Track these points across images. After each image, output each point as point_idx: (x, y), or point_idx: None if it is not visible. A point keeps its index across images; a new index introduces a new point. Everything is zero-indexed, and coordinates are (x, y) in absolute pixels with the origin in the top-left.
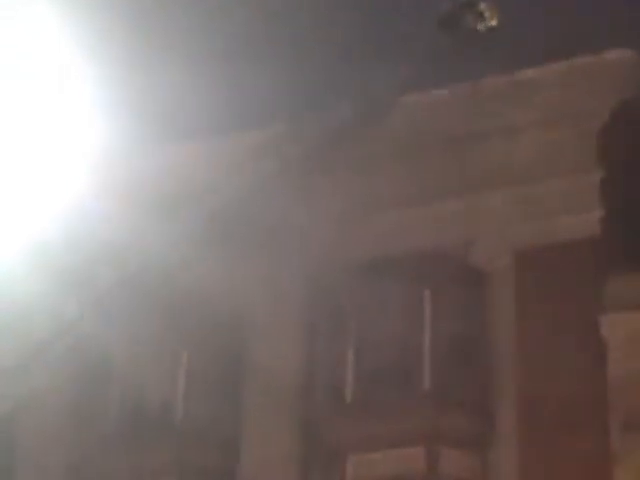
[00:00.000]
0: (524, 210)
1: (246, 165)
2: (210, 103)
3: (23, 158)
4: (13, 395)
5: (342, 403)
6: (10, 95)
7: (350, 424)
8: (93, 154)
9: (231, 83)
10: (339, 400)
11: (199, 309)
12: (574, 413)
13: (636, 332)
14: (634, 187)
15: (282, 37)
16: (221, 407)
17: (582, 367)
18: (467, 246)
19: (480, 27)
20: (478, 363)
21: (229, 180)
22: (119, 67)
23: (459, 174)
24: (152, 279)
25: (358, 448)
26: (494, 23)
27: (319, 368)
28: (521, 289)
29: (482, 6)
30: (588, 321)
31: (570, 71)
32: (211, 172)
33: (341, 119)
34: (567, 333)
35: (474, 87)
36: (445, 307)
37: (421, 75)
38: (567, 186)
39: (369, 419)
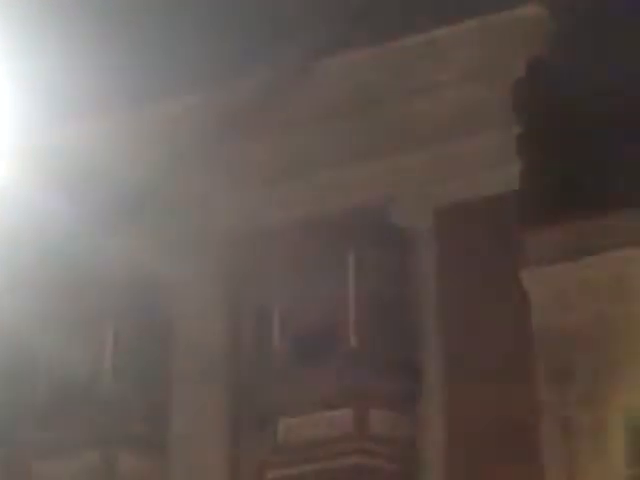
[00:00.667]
0: (444, 167)
1: (161, 135)
2: (123, 74)
3: None
4: None
5: (270, 367)
6: None
7: (279, 387)
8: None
9: (145, 52)
10: (267, 364)
11: (123, 280)
12: (499, 366)
13: (557, 284)
14: (551, 140)
15: (197, 6)
16: (150, 376)
17: (506, 320)
18: (389, 205)
19: None
20: (403, 321)
21: (144, 150)
22: (20, 42)
23: (378, 134)
24: (73, 253)
25: (288, 411)
26: None
27: (246, 333)
28: (443, 246)
29: None
30: (510, 275)
31: (483, 28)
32: (126, 143)
33: (257, 85)
34: (490, 288)
35: (391, 47)
36: (368, 266)
37: (339, 37)
38: (485, 142)
39: (298, 382)
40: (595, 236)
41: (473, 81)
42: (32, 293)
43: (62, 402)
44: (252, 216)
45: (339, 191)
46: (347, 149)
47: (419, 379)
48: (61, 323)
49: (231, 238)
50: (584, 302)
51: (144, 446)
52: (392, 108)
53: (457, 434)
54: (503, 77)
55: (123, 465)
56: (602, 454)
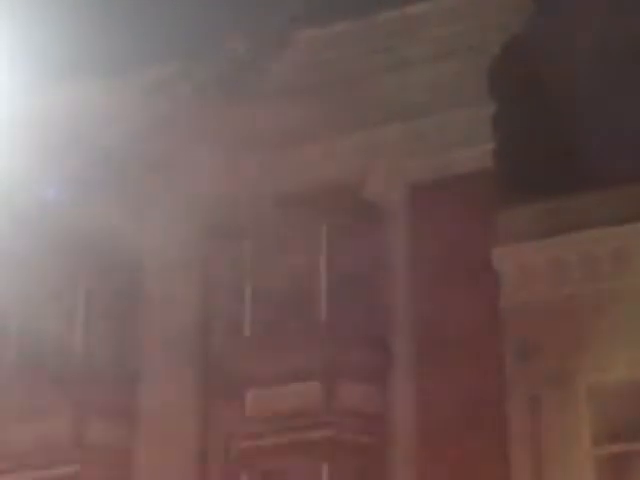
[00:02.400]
0: (417, 144)
1: (140, 103)
2: (104, 42)
3: None
4: None
5: (240, 337)
6: None
7: (249, 358)
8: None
9: (124, 21)
10: (238, 334)
11: (95, 247)
12: (469, 344)
13: (527, 263)
14: (523, 120)
15: None
16: (120, 345)
17: (476, 297)
18: (362, 180)
19: None
20: (374, 296)
21: (123, 117)
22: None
23: (353, 109)
24: (46, 218)
25: (257, 382)
26: None
27: (217, 303)
28: (415, 221)
29: None
30: (481, 253)
31: (459, 5)
32: (105, 110)
33: (234, 56)
34: (461, 264)
35: (366, 22)
36: (341, 241)
37: (313, 11)
38: (459, 119)
39: (267, 353)
40: (566, 215)
41: (448, 57)
42: (3, 260)
43: (32, 369)
44: (225, 185)
45: (313, 164)
46: (321, 123)
47: (389, 354)
48: (31, 291)
49: (205, 206)
50: (553, 281)
51: (113, 414)
52: (367, 83)
53: (426, 409)
54: (478, 55)
55: (92, 433)
56: (569, 432)
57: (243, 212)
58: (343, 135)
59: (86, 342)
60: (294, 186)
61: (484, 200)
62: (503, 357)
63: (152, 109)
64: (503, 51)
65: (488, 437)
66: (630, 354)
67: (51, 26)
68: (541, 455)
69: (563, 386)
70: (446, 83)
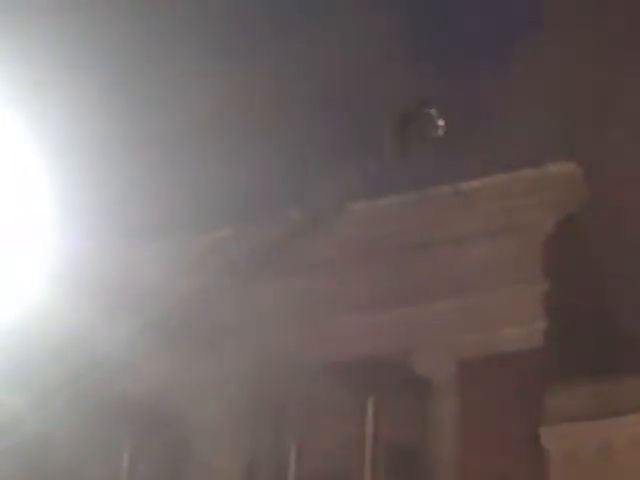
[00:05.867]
0: (468, 319)
1: (194, 267)
2: (161, 205)
3: None
4: None
5: None
6: None
7: None
8: (44, 252)
9: (180, 186)
10: None
11: (143, 409)
12: None
13: (575, 444)
14: (574, 300)
15: (231, 140)
16: None
17: (523, 476)
18: (411, 354)
19: (430, 133)
20: (419, 474)
21: (177, 281)
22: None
23: (404, 282)
24: (98, 378)
25: None
26: (441, 132)
27: (261, 471)
28: (464, 399)
29: (432, 112)
30: (529, 433)
31: (514, 182)
32: (159, 273)
33: (289, 224)
34: (508, 443)
35: (421, 196)
36: (388, 415)
37: (370, 183)
38: (511, 297)
39: None
40: (615, 398)
41: (503, 234)
42: (57, 412)
43: None
44: (276, 354)
45: (362, 336)
46: (372, 295)
47: None
48: (79, 445)
49: (254, 374)
50: (602, 463)
51: None
52: (420, 256)
53: None
54: (533, 233)
55: None
56: None
57: (290, 381)
58: (393, 307)
59: None
60: (342, 357)
61: (533, 379)
62: None
63: (204, 274)
64: (558, 230)
65: None
66: None
67: (102, 188)
68: None
69: None
70: (500, 259)
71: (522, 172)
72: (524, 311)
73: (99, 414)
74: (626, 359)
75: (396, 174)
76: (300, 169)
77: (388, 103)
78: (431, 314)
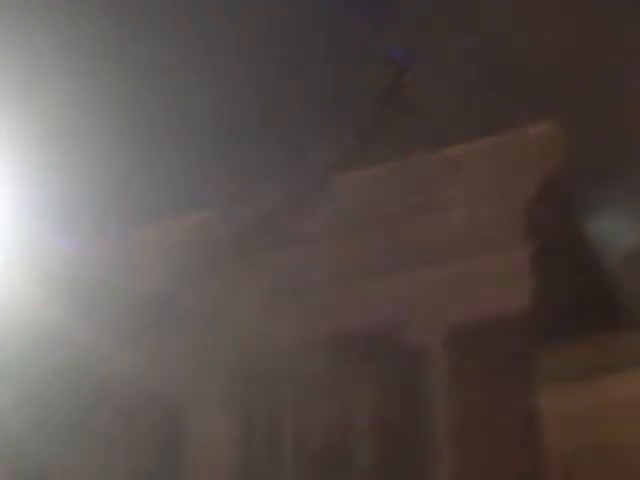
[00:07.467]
0: (456, 286)
1: (175, 250)
2: (140, 188)
3: None
4: None
5: None
6: None
7: None
8: (15, 247)
9: (161, 167)
10: None
11: (133, 398)
12: None
13: (570, 405)
14: (560, 260)
15: (215, 121)
16: None
17: (519, 438)
18: (401, 324)
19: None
20: (414, 443)
21: (158, 265)
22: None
23: (390, 251)
24: (82, 370)
25: None
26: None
27: (257, 453)
28: (457, 365)
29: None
30: (524, 394)
31: (494, 147)
32: (140, 257)
33: (274, 201)
34: (503, 405)
35: (403, 164)
36: (380, 386)
37: (352, 154)
38: (498, 260)
39: None
40: (608, 354)
41: (486, 200)
42: (40, 411)
43: None
44: (265, 331)
45: (352, 309)
46: (358, 266)
47: None
48: (68, 442)
49: (244, 354)
50: (598, 420)
51: None
52: (404, 225)
53: None
54: (516, 195)
55: None
56: None
57: (282, 359)
58: (380, 277)
59: None
60: (331, 330)
61: (526, 339)
62: None
63: (193, 254)
64: (541, 191)
65: None
66: None
67: (91, 172)
68: None
69: None
70: (485, 223)
71: (500, 136)
72: (511, 274)
73: (88, 406)
74: (615, 315)
75: (378, 144)
76: (281, 146)
77: (365, 74)
78: (419, 282)
